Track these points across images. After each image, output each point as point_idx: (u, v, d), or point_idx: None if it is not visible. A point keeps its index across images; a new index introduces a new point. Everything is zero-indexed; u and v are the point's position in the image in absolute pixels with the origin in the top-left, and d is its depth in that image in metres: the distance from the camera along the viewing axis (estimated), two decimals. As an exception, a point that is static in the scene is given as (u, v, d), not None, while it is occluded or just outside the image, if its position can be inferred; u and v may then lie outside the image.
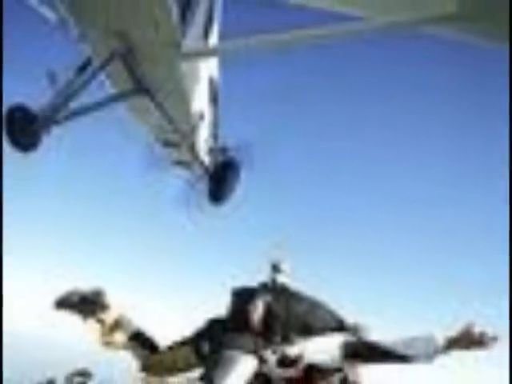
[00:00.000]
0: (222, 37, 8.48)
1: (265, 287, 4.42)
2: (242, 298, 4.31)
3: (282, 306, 4.17)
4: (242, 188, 8.60)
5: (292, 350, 3.94)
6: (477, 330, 3.56)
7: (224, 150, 8.88)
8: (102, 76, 7.28)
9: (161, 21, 6.46)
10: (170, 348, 4.35)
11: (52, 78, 6.95)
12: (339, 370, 4.07)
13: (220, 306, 4.44)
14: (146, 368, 4.36)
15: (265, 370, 3.92)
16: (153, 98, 7.50)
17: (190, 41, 7.09)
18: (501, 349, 3.59)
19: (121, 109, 8.05)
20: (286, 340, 4.02)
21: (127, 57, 6.92)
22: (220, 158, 8.80)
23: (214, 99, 8.85)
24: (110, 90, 7.58)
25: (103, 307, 4.39)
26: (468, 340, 3.59)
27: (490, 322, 3.61)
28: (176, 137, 8.40)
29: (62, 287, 4.39)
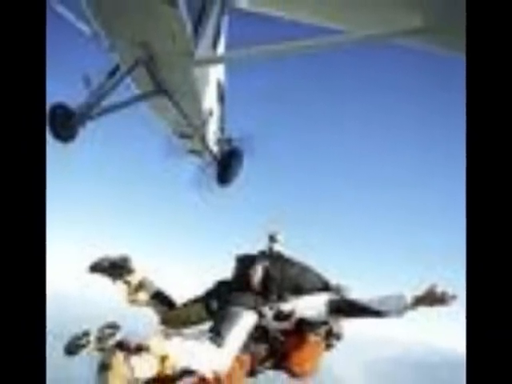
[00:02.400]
0: (228, 47, 8.44)
1: (263, 254, 4.42)
2: (244, 263, 4.31)
3: (277, 270, 4.17)
4: (245, 172, 8.62)
5: (286, 307, 3.94)
6: (439, 290, 3.56)
7: (229, 140, 8.87)
8: (128, 80, 7.26)
9: (177, 34, 6.44)
10: (185, 305, 4.36)
11: (87, 81, 6.95)
12: (325, 323, 4.08)
13: (226, 270, 4.44)
14: (164, 321, 4.37)
15: (263, 323, 3.93)
16: (170, 98, 7.49)
17: (202, 50, 7.05)
18: (459, 305, 3.58)
19: (144, 107, 8.04)
20: (281, 298, 4.02)
21: (149, 64, 6.91)
22: (226, 148, 8.80)
23: (221, 98, 8.81)
24: (135, 91, 7.56)
25: (129, 271, 4.39)
26: (432, 298, 3.59)
27: (450, 283, 3.60)
28: (190, 130, 8.39)
29: (95, 254, 4.38)
